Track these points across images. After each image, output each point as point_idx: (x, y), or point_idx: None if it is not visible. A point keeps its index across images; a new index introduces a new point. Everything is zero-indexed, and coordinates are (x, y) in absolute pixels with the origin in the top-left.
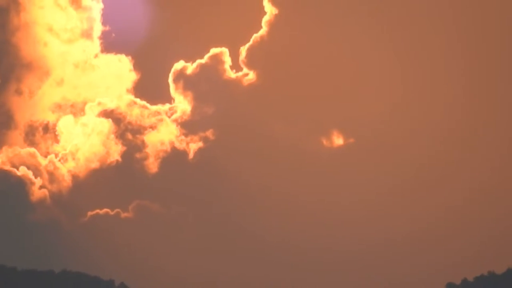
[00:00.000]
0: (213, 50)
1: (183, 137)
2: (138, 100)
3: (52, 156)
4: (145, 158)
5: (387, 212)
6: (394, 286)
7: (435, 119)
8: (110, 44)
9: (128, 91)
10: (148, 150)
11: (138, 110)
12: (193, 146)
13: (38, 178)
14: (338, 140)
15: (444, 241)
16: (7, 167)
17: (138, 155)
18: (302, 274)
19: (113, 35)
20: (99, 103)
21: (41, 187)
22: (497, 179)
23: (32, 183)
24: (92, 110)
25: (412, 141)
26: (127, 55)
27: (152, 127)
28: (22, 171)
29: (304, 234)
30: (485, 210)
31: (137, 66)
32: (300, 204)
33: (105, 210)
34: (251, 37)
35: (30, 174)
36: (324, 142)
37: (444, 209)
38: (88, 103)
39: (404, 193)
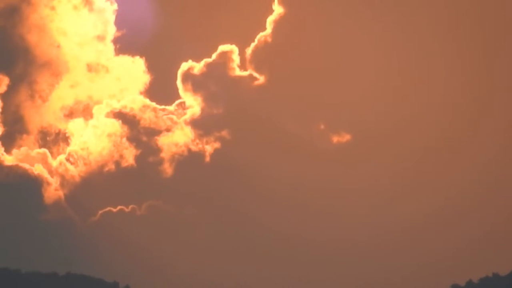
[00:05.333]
0: (222, 48)
1: (194, 137)
2: (147, 100)
3: (62, 156)
4: (156, 157)
5: (393, 206)
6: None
7: (435, 116)
8: (123, 46)
9: (140, 92)
10: (159, 149)
11: (149, 111)
12: (206, 146)
13: (55, 177)
14: (346, 136)
15: (448, 239)
16: (23, 165)
17: (149, 155)
18: (314, 271)
19: (127, 36)
20: (110, 105)
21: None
22: (499, 174)
23: (48, 183)
24: (102, 112)
25: (415, 135)
26: (141, 56)
27: (164, 128)
28: (37, 169)
29: (320, 232)
30: (489, 208)
31: (149, 68)
32: (316, 203)
33: (118, 207)
34: (259, 36)
35: (45, 173)
36: (334, 138)
37: (449, 206)
38: (99, 105)
39: (408, 185)
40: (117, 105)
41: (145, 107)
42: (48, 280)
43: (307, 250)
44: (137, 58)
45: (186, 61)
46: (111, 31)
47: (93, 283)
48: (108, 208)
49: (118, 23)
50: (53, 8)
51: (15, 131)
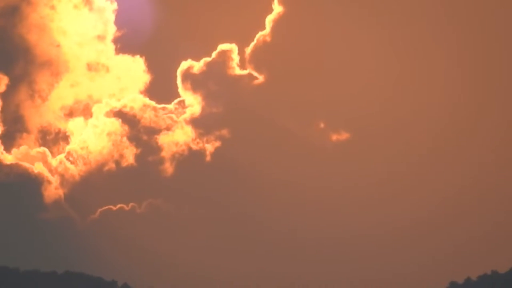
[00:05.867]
0: (221, 47)
1: (194, 136)
2: (147, 100)
3: (61, 155)
4: (157, 156)
5: (391, 205)
6: (396, 285)
7: (434, 115)
8: (123, 45)
9: (140, 92)
10: (159, 148)
11: (150, 110)
12: (207, 145)
13: (55, 176)
14: (345, 134)
15: (447, 236)
16: (23, 164)
17: (149, 154)
18: (313, 269)
19: (127, 35)
20: (109, 104)
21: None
22: (498, 172)
23: (48, 182)
24: (102, 111)
25: (414, 133)
26: (141, 55)
27: (165, 127)
28: (37, 168)
29: (319, 231)
30: (488, 206)
31: (148, 67)
32: (316, 201)
33: (118, 206)
34: (258, 35)
35: (45, 171)
36: (333, 136)
37: (448, 204)
38: (99, 104)
39: (407, 183)
40: (117, 104)
41: (145, 106)
42: (47, 279)
43: (307, 248)
44: (137, 57)
45: (186, 60)
46: (111, 30)
47: (91, 282)
48: (107, 207)
49: (118, 22)
50: (53, 8)
51: (15, 130)
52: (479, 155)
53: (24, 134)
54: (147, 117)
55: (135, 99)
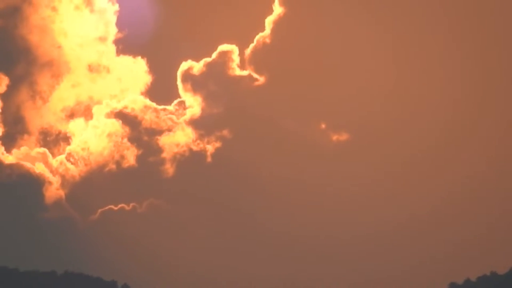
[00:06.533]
0: (221, 48)
1: (195, 137)
2: (148, 101)
3: (62, 156)
4: (157, 157)
5: (392, 204)
6: (396, 285)
7: (434, 116)
8: (124, 46)
9: (141, 93)
10: (160, 149)
11: (150, 112)
12: (208, 146)
13: (56, 176)
14: (346, 134)
15: (447, 237)
16: (24, 164)
17: (150, 155)
18: (314, 269)
19: (128, 37)
20: (109, 105)
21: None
22: (497, 173)
23: (49, 183)
24: (102, 112)
25: (414, 133)
26: (142, 56)
27: (166, 128)
28: (38, 168)
29: (320, 230)
30: (488, 206)
31: (150, 68)
32: (317, 201)
33: (119, 206)
34: (258, 36)
35: (46, 172)
36: (333, 137)
37: (448, 204)
38: (99, 105)
39: (407, 183)
40: (117, 105)
41: (146, 107)
42: (47, 279)
43: (308, 248)
44: (138, 58)
45: (186, 60)
46: (112, 31)
47: (91, 282)
48: (108, 207)
49: (119, 23)
50: (54, 9)
51: (15, 131)
52: (479, 155)
53: (25, 136)
54: (148, 118)
55: (135, 100)
